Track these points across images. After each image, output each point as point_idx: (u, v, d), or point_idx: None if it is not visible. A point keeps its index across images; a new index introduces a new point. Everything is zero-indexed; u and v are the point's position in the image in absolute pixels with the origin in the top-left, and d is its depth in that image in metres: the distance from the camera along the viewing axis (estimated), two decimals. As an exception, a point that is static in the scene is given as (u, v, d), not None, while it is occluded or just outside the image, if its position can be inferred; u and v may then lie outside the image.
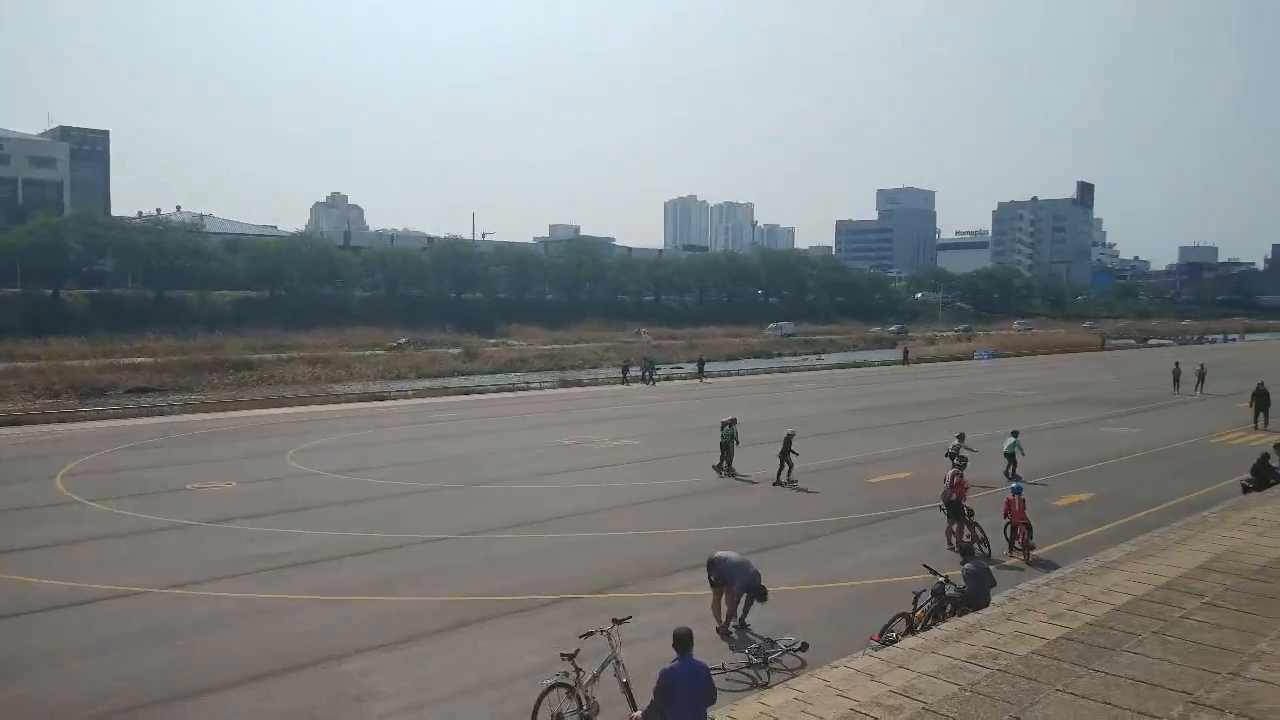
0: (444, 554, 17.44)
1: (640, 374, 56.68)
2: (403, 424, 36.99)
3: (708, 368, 63.04)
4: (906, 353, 77.02)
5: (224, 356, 63.22)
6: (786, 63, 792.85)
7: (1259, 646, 7.07)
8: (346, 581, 15.60)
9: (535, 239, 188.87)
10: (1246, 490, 20.21)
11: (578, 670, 9.62)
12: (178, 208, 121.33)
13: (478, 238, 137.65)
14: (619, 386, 54.58)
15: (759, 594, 12.76)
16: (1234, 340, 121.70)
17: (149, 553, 17.52)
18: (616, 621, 10.19)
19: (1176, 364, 51.10)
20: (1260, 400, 34.39)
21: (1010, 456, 23.74)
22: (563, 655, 9.74)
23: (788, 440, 23.92)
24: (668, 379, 60.07)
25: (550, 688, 9.66)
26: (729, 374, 66.18)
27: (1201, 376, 47.99)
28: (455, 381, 60.24)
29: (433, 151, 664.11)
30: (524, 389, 54.98)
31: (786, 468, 23.91)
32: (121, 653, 12.37)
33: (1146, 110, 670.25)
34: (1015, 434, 24.66)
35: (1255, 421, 33.93)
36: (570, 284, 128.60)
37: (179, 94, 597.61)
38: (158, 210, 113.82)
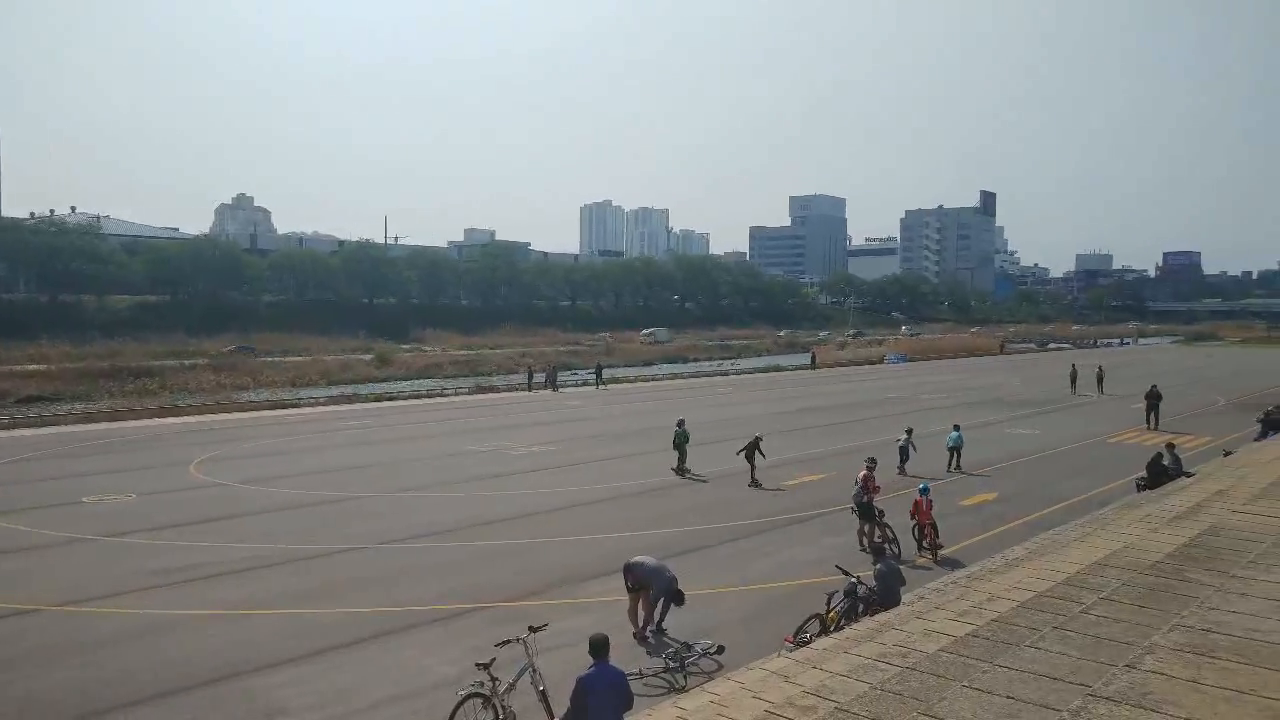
0: (356, 564, 17.09)
1: (543, 380, 56.35)
2: (312, 432, 36.15)
3: (613, 373, 63.21)
4: (814, 358, 78.32)
5: (123, 363, 60.99)
6: (701, 70, 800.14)
7: (1152, 639, 7.38)
8: (255, 595, 15.17)
9: (450, 243, 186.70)
10: (1141, 488, 21.06)
11: (494, 679, 9.53)
12: (73, 209, 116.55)
13: (390, 241, 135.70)
14: (529, 393, 54.19)
15: (676, 598, 12.83)
16: (1128, 344, 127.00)
17: (44, 569, 16.78)
18: (533, 629, 10.14)
19: (1074, 366, 53.47)
20: (1152, 401, 35.96)
21: (954, 450, 25.76)
22: (478, 664, 9.65)
23: (754, 443, 24.66)
24: (571, 385, 59.74)
25: (466, 698, 9.56)
26: (644, 379, 66.29)
27: (1100, 378, 50.22)
28: (368, 389, 59.15)
29: (344, 153, 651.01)
30: (438, 395, 54.27)
31: (751, 468, 24.64)
32: (16, 673, 11.82)
33: (1045, 122, 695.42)
34: (958, 428, 26.86)
35: (1148, 422, 35.43)
36: (485, 289, 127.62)
37: (70, 91, 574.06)
38: (51, 211, 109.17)
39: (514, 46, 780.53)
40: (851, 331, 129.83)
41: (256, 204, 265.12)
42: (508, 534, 19.28)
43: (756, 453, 24.69)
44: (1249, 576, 9.18)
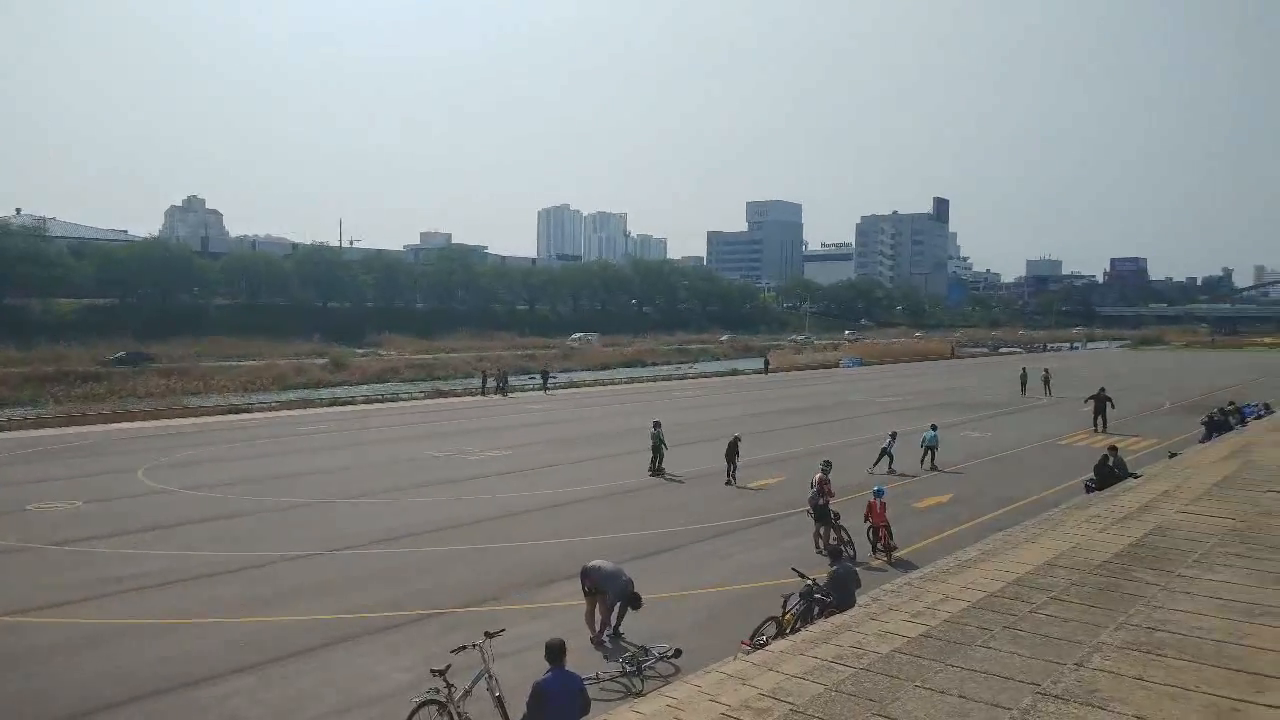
0: (310, 571, 16.87)
1: (494, 384, 55.93)
2: (265, 438, 35.63)
3: (571, 378, 62.94)
4: (768, 363, 78.77)
5: (69, 368, 59.54)
6: (660, 76, 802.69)
7: (1100, 638, 7.51)
8: (205, 603, 14.91)
9: (406, 246, 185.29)
10: (1090, 489, 21.44)
11: (449, 686, 9.47)
12: (17, 210, 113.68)
13: (346, 244, 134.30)
14: (483, 397, 53.75)
15: (633, 601, 12.83)
16: (1077, 348, 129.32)
17: (-16, 579, 16.34)
18: (489, 635, 10.09)
19: (1024, 370, 54.48)
20: (1100, 405, 36.66)
21: (930, 448, 27.26)
22: (433, 671, 9.58)
23: (733, 443, 25.30)
24: (521, 390, 59.24)
25: (421, 705, 9.50)
26: (601, 384, 66.23)
27: (1046, 381, 51.53)
28: (322, 393, 58.42)
29: (298, 155, 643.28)
30: (394, 400, 53.76)
31: (732, 468, 25.14)
32: (-48, 688, 11.49)
33: (997, 131, 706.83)
34: (934, 427, 28.20)
35: (1095, 424, 36.11)
36: (442, 292, 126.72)
37: (14, 91, 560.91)
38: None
39: (470, 47, 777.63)
40: (799, 336, 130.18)
41: (208, 206, 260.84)
42: (464, 539, 19.16)
43: (736, 453, 25.36)
44: (1193, 575, 9.39)
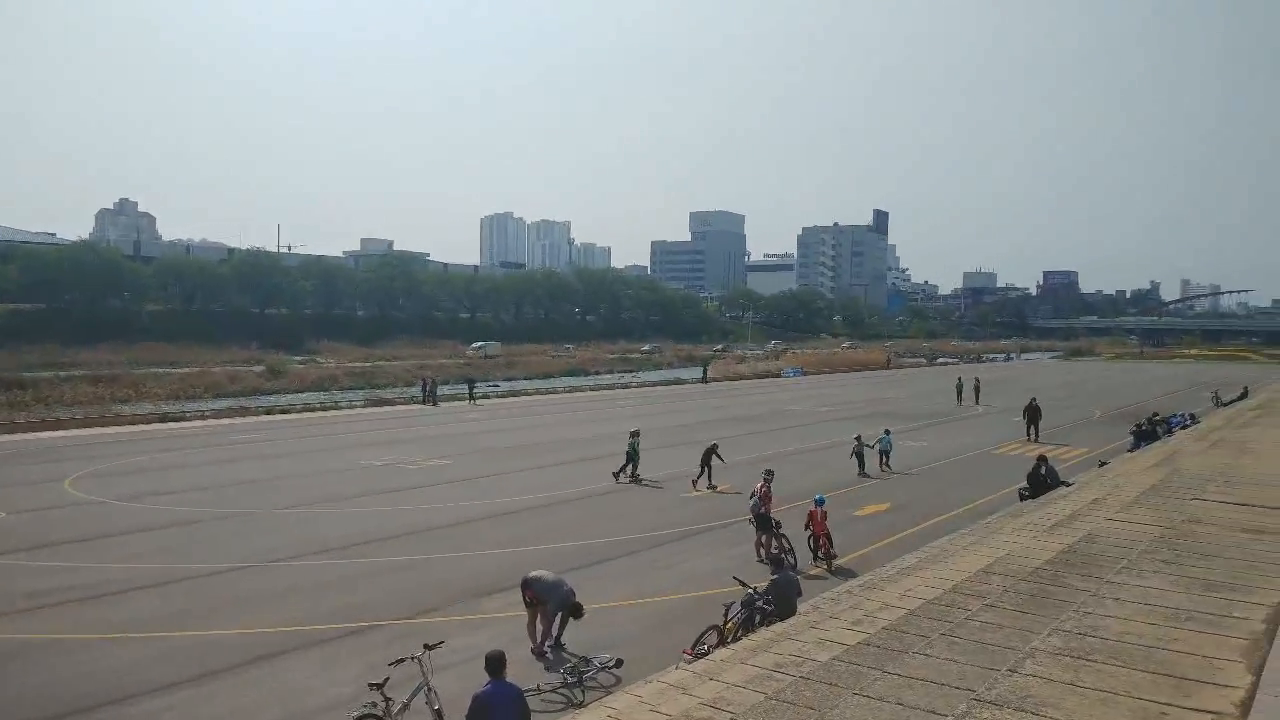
0: (245, 583, 16.50)
1: (423, 394, 55.06)
2: (198, 446, 34.81)
3: (513, 386, 62.34)
4: (706, 372, 79.05)
5: (-8, 374, 57.67)
6: (603, 85, 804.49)
7: (1033, 644, 7.66)
8: (136, 616, 14.50)
9: (345, 253, 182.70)
10: (1024, 497, 21.88)
11: (387, 700, 9.33)
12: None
13: (284, 250, 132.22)
14: (424, 406, 52.97)
15: (575, 611, 12.78)
16: (1011, 359, 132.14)
17: (-102, 594, 15.69)
18: (428, 647, 9.96)
19: (959, 380, 55.74)
20: (1032, 415, 37.50)
21: (884, 452, 28.92)
22: (371, 685, 9.43)
23: (711, 449, 26.08)
24: (453, 399, 58.24)
25: (357, 719, 9.34)
26: (534, 393, 65.98)
27: (977, 390, 53.36)
28: (258, 401, 57.31)
29: (234, 158, 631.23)
30: (333, 408, 52.89)
31: (707, 472, 25.74)
32: None
33: (934, 145, 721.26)
34: (888, 432, 30.16)
35: (1028, 434, 36.92)
36: (383, 299, 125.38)
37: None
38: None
39: (412, 53, 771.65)
40: (718, 346, 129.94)
41: (141, 209, 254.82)
42: (403, 549, 18.90)
43: (714, 457, 25.96)
44: (1122, 581, 9.63)
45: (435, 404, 53.86)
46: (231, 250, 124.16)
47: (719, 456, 26.13)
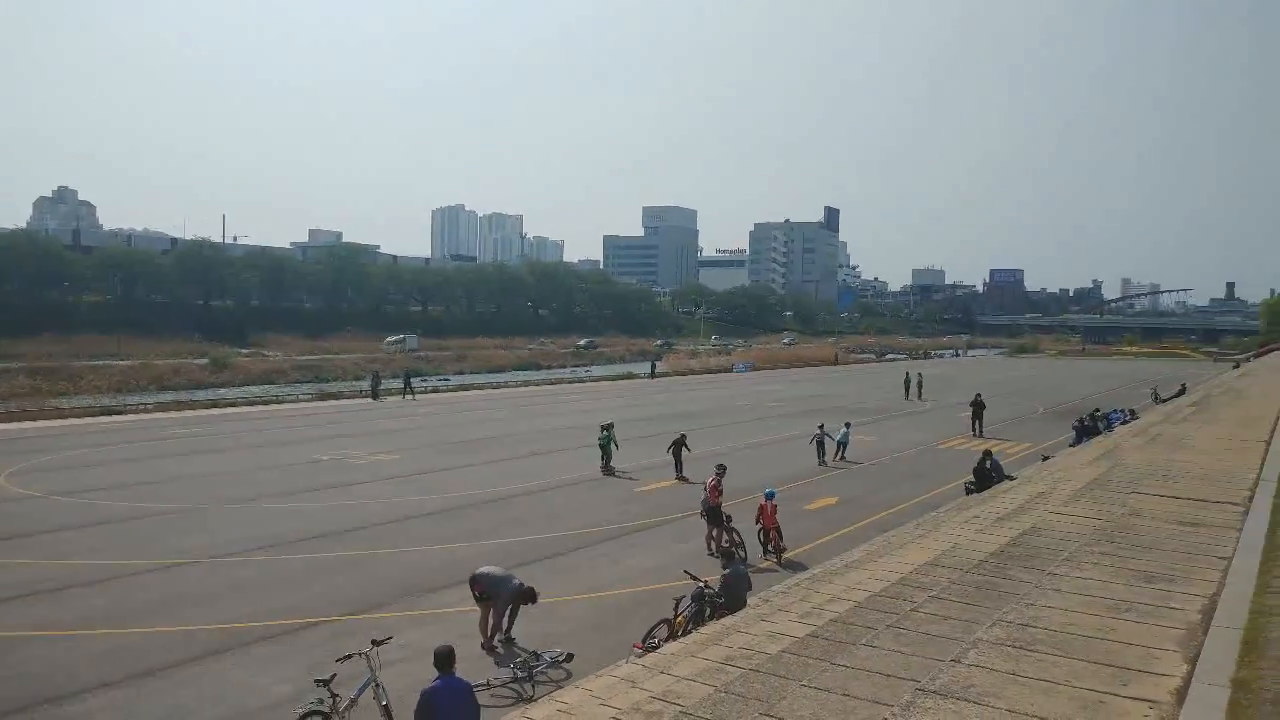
0: (187, 579, 16.17)
1: (369, 387, 53.96)
2: (139, 441, 34.04)
3: (464, 380, 61.61)
4: (654, 367, 79.10)
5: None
6: (556, 77, 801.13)
7: (976, 635, 7.77)
8: (73, 614, 14.14)
9: (293, 244, 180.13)
10: (969, 491, 22.24)
11: (334, 696, 9.21)
12: None
13: (229, 240, 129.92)
14: (374, 400, 52.18)
15: (529, 597, 12.75)
16: (959, 355, 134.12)
17: None
18: (376, 643, 9.86)
19: (907, 375, 56.77)
20: (977, 410, 38.13)
21: (842, 444, 30.08)
22: (317, 681, 9.32)
23: (679, 440, 26.75)
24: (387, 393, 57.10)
25: (304, 716, 9.23)
26: (484, 386, 65.61)
27: (919, 385, 54.87)
28: (202, 394, 56.24)
29: (178, 146, 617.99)
30: (278, 402, 52.04)
31: (677, 463, 26.44)
32: None
33: (885, 142, 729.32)
34: (848, 425, 31.39)
35: (973, 429, 37.53)
36: (331, 291, 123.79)
37: None
38: None
39: (359, 40, 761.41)
40: (659, 342, 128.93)
41: (81, 198, 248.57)
42: (351, 545, 18.67)
43: (683, 449, 26.63)
44: (1064, 573, 9.81)
45: (377, 398, 52.76)
46: (175, 241, 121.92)
47: (686, 447, 26.71)
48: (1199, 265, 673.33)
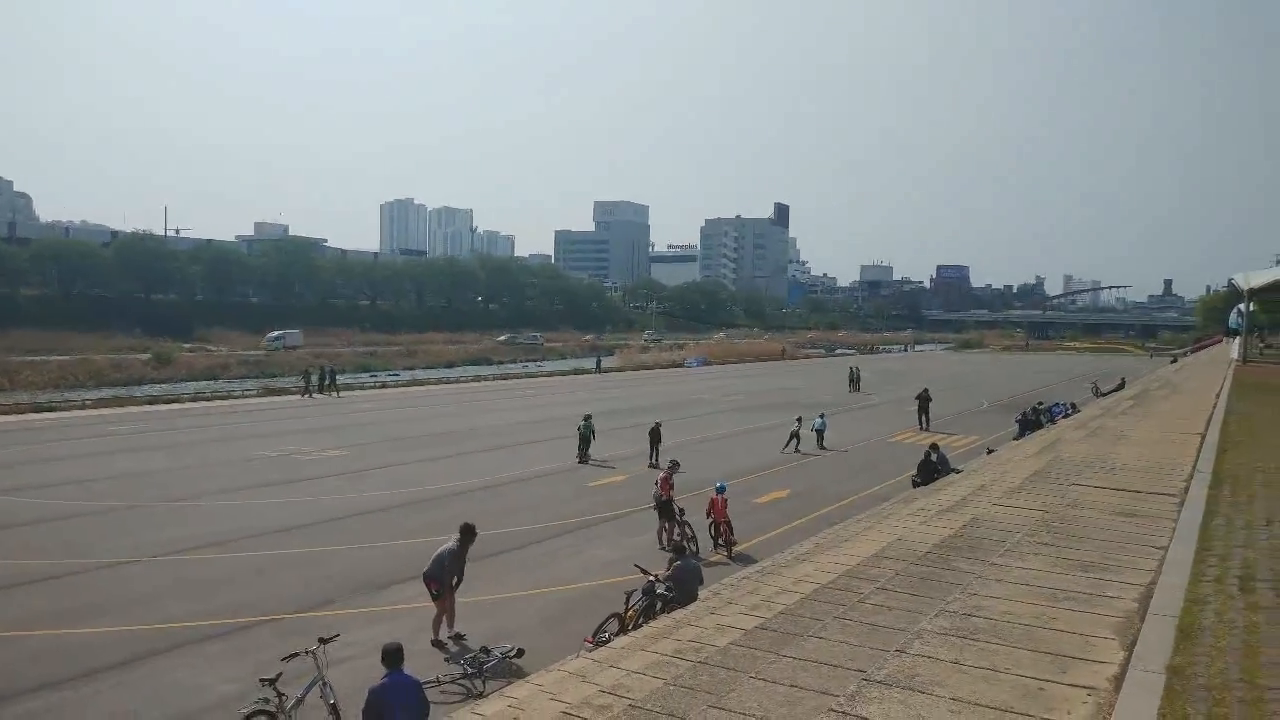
0: (130, 578, 15.85)
1: (306, 383, 52.38)
2: (78, 438, 33.24)
3: (414, 375, 61.06)
4: (600, 362, 78.98)
5: None
6: (505, 70, 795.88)
7: (921, 625, 7.91)
8: (11, 615, 13.79)
9: (239, 237, 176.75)
10: (916, 484, 22.55)
11: (280, 695, 9.11)
12: None
13: (171, 233, 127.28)
14: (323, 395, 51.14)
15: (468, 534, 12.99)
16: (906, 350, 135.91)
17: None
18: (323, 641, 9.77)
19: (851, 369, 57.86)
20: (923, 404, 38.69)
21: (819, 432, 32.09)
22: (262, 680, 9.20)
23: (655, 428, 28.51)
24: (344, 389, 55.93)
25: (249, 716, 9.11)
26: (433, 382, 65.12)
27: (857, 379, 57.09)
28: (144, 390, 55.07)
29: (118, 136, 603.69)
30: (223, 398, 51.10)
31: (654, 452, 27.68)
32: None
33: (834, 139, 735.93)
34: (823, 415, 33.48)
35: (920, 423, 38.08)
36: (278, 286, 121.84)
37: None
38: None
39: (304, 30, 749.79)
40: (587, 336, 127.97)
41: (16, 189, 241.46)
42: (297, 542, 18.44)
43: (659, 436, 28.24)
44: (1005, 563, 10.01)
45: (310, 395, 50.63)
46: (115, 233, 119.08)
47: (659, 437, 28.28)
48: (1138, 263, 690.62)
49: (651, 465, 26.73)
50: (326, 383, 52.23)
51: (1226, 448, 18.65)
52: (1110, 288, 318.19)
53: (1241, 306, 67.85)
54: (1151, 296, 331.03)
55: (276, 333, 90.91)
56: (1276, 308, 75.03)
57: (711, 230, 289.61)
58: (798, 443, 31.22)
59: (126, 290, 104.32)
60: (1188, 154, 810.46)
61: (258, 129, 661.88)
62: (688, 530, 17.76)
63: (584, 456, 28.44)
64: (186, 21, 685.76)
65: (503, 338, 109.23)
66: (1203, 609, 7.96)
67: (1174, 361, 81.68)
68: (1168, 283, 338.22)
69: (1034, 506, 13.40)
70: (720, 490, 18.14)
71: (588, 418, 29.43)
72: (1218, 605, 8.04)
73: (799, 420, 32.14)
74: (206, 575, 16.11)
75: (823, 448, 31.79)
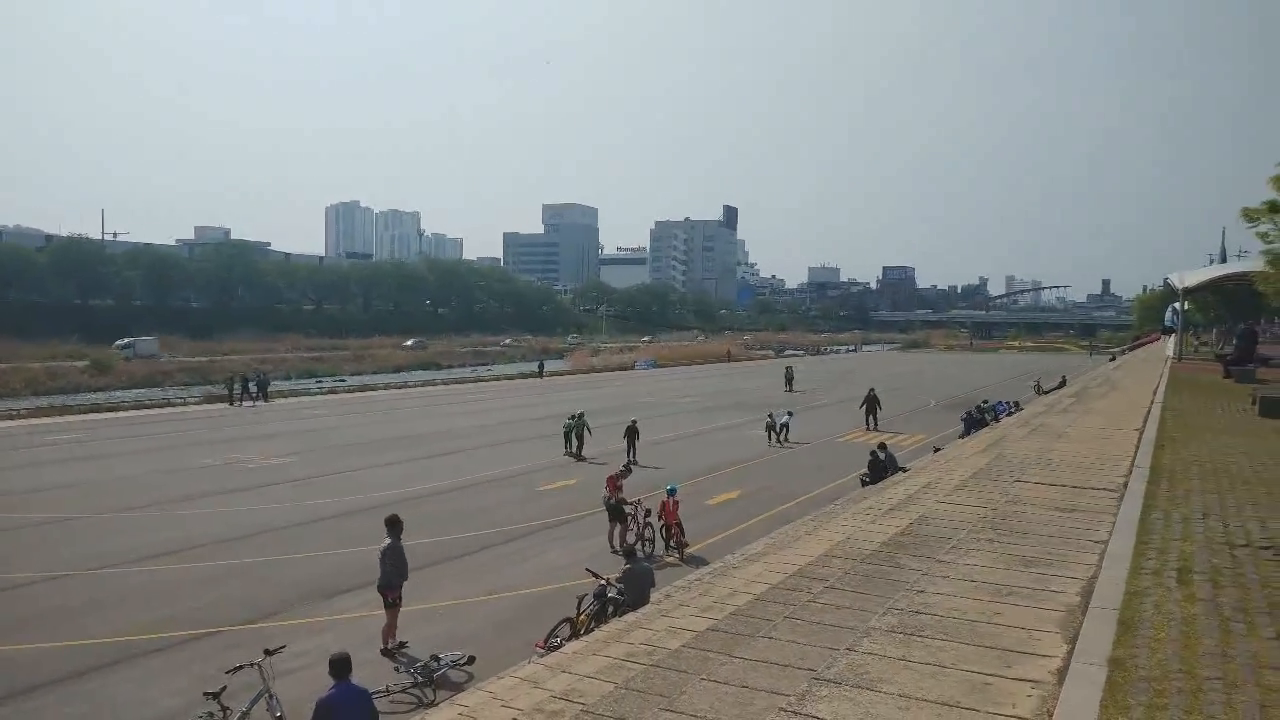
0: (67, 592, 15.43)
1: (241, 389, 51.31)
2: (11, 449, 32.31)
3: (363, 380, 60.42)
4: (541, 365, 78.23)
5: None
6: (453, 71, 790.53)
7: (870, 623, 7.99)
8: (-63, 634, 13.34)
9: (178, 241, 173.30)
10: (864, 483, 22.81)
11: (224, 709, 8.95)
12: None
13: (109, 237, 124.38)
14: (253, 404, 49.90)
15: (395, 526, 12.84)
16: (853, 351, 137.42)
17: None
18: (268, 652, 9.58)
19: (786, 369, 59.82)
20: (870, 404, 39.12)
21: (784, 427, 33.60)
22: (206, 694, 9.03)
23: (631, 426, 29.41)
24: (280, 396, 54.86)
25: (193, 731, 8.92)
26: (384, 388, 64.44)
27: (790, 378, 58.53)
28: (81, 399, 53.70)
29: (52, 136, 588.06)
30: (164, 406, 50.02)
31: (632, 450, 28.30)
32: None
33: (782, 142, 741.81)
34: (790, 413, 35.11)
35: (867, 423, 38.49)
36: (220, 290, 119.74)
37: None
38: None
39: (250, 26, 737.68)
40: (506, 340, 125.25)
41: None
42: (242, 552, 18.09)
43: (635, 435, 29.10)
44: (951, 560, 10.16)
45: (233, 403, 49.48)
46: (50, 237, 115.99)
47: (637, 434, 29.18)
48: (1077, 263, 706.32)
49: (632, 463, 25.69)
50: (255, 392, 51.23)
51: (1164, 443, 19.13)
52: (1051, 288, 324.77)
53: (1177, 305, 69.64)
54: (1090, 296, 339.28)
55: (126, 340, 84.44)
56: (1210, 306, 77.24)
57: (661, 233, 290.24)
58: (777, 435, 33.15)
59: (63, 295, 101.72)
60: (1127, 158, 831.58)
61: (196, 132, 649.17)
62: (649, 530, 17.80)
63: (578, 454, 29.25)
64: (117, 24, 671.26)
65: (409, 343, 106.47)
66: (1142, 601, 8.15)
67: (1113, 359, 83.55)
68: (1106, 282, 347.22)
69: (979, 504, 13.61)
70: (671, 492, 18.18)
71: (577, 415, 30.42)
72: (1157, 598, 8.24)
73: (771, 416, 34.15)
74: (150, 587, 15.75)
75: (786, 440, 33.42)
